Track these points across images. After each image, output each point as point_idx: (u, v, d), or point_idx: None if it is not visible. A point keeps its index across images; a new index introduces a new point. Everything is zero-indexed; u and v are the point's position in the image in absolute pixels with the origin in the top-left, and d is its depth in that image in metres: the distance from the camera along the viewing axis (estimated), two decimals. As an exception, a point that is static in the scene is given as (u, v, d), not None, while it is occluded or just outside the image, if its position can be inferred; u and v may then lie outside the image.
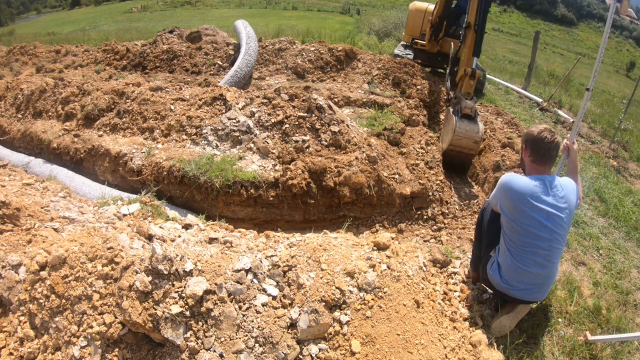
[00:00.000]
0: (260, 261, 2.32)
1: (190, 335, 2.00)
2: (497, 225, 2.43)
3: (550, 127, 2.34)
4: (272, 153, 4.16)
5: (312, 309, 2.11)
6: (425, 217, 4.24)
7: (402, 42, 8.56)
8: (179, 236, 2.64)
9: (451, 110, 4.82)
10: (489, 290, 2.68)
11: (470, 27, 4.82)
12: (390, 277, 2.36)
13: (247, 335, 2.04)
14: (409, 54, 7.85)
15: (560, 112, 7.38)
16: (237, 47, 7.60)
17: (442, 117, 6.19)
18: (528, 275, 2.27)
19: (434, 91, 6.55)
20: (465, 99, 4.61)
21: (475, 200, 4.45)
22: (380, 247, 2.62)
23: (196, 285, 2.06)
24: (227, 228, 3.22)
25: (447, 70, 5.86)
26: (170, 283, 2.07)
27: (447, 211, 4.28)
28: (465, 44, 4.99)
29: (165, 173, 3.94)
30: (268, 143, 4.24)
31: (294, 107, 4.47)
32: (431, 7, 7.53)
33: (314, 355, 2.06)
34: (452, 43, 7.16)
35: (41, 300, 2.22)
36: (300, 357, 2.05)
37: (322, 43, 7.80)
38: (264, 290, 2.21)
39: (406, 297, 2.32)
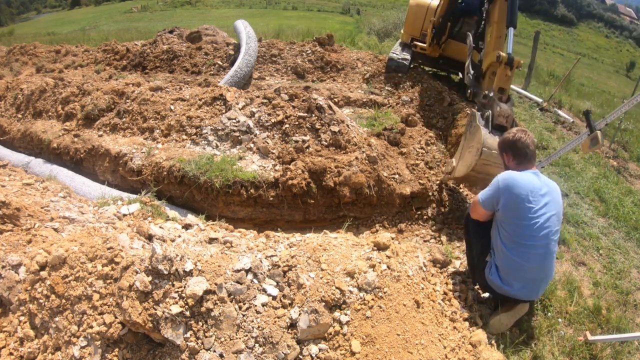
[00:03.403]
0: (260, 261, 2.32)
1: (190, 335, 2.00)
2: (485, 232, 2.49)
3: (522, 128, 2.46)
4: (272, 153, 4.16)
5: (312, 309, 2.11)
6: (425, 217, 4.24)
7: (399, 41, 7.59)
8: (179, 236, 2.64)
9: (477, 116, 3.36)
10: (489, 291, 2.68)
11: None
12: (390, 277, 2.36)
13: (247, 335, 2.04)
14: (406, 58, 6.88)
15: (560, 112, 7.38)
16: (237, 47, 7.60)
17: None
18: (528, 271, 2.29)
19: (430, 92, 6.44)
20: (498, 102, 3.26)
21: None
22: (380, 247, 2.63)
23: (196, 285, 2.06)
24: (227, 228, 3.22)
25: (467, 63, 4.36)
26: (170, 283, 2.07)
27: (447, 211, 4.28)
28: (492, 19, 3.73)
29: (165, 173, 3.94)
30: (268, 143, 4.24)
31: (294, 107, 4.47)
32: (435, 2, 6.60)
33: (314, 355, 2.06)
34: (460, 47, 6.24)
35: (41, 300, 2.22)
36: (300, 357, 2.05)
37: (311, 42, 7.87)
38: (264, 290, 2.20)
39: (406, 297, 2.32)
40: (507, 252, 2.30)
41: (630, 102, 2.84)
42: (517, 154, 2.39)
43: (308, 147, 4.20)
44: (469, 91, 4.01)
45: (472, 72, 4.09)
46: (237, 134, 4.29)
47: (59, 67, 8.38)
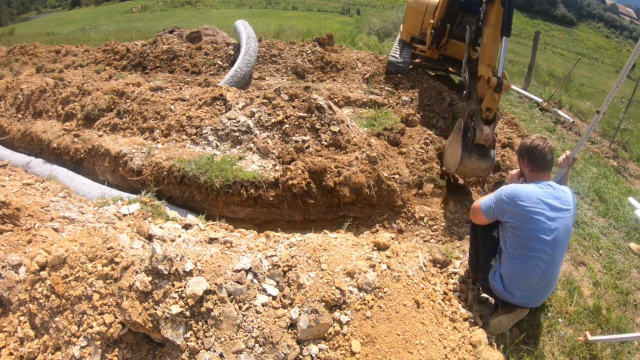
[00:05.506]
0: (260, 261, 2.32)
1: (190, 335, 2.00)
2: (492, 235, 2.46)
3: (542, 135, 2.37)
4: (272, 153, 4.16)
5: (312, 309, 2.11)
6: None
7: (398, 39, 7.24)
8: (179, 236, 2.64)
9: (462, 124, 3.85)
10: (489, 291, 2.68)
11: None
12: (390, 277, 2.36)
13: (247, 335, 2.04)
14: (405, 62, 6.77)
15: (560, 112, 7.38)
16: (237, 47, 7.60)
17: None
18: (531, 281, 2.27)
19: (430, 92, 6.43)
20: (482, 126, 3.62)
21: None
22: (380, 247, 2.63)
23: (196, 285, 2.06)
24: (227, 228, 3.22)
25: (464, 60, 4.46)
26: (170, 283, 2.07)
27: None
28: (489, 21, 3.76)
29: (165, 173, 3.94)
30: (268, 143, 4.24)
31: (294, 107, 4.47)
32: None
33: (314, 355, 2.06)
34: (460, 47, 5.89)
35: (41, 300, 2.22)
36: (300, 357, 2.05)
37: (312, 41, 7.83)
38: (264, 290, 2.20)
39: (406, 297, 2.32)
40: (511, 261, 2.28)
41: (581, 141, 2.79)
42: (532, 161, 2.34)
43: (308, 147, 4.20)
44: (464, 92, 4.13)
45: (468, 70, 4.20)
46: (237, 134, 4.29)
47: (59, 67, 8.37)
